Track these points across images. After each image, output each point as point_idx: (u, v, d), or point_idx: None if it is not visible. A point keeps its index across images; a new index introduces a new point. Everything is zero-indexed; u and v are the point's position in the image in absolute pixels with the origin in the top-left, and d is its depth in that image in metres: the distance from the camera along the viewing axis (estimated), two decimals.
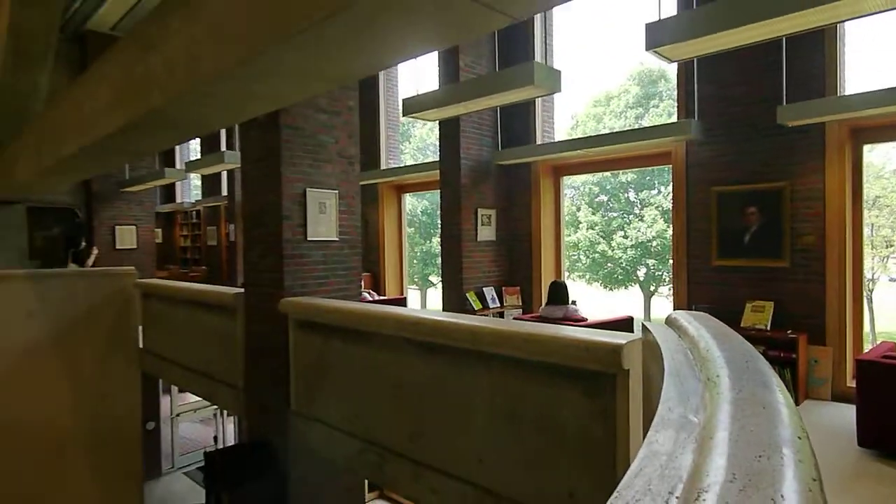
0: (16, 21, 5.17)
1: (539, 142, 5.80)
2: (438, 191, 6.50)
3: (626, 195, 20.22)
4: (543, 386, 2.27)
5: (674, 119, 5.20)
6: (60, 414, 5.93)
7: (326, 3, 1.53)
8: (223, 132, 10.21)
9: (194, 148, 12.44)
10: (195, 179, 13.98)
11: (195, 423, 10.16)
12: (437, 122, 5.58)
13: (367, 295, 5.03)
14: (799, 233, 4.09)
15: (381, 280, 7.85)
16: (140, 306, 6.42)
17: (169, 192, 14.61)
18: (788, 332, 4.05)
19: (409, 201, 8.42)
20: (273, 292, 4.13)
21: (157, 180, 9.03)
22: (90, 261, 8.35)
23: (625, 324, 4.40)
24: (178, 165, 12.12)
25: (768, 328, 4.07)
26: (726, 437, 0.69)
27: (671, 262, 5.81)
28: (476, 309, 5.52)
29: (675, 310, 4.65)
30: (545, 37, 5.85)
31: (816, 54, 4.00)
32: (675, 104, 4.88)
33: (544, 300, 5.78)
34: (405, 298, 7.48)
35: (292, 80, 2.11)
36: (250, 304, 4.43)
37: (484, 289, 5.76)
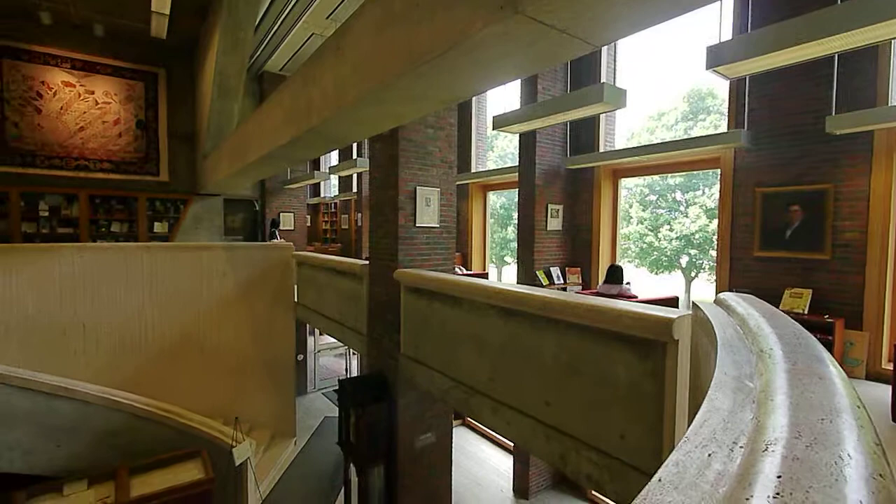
0: (220, 66, 5.67)
1: (601, 150, 5.50)
2: (516, 189, 6.37)
3: (672, 195, 18.89)
4: (601, 347, 2.18)
5: (721, 130, 4.72)
6: (243, 345, 6.52)
7: (442, 42, 1.52)
8: (356, 144, 10.63)
9: (334, 156, 13.09)
10: (334, 179, 14.71)
11: (330, 358, 10.80)
12: (518, 134, 5.46)
13: (458, 269, 5.06)
14: (841, 229, 3.57)
15: (468, 259, 7.87)
16: (295, 271, 6.89)
17: (315, 189, 15.46)
18: (825, 316, 3.58)
19: (491, 198, 8.32)
20: (390, 264, 4.27)
21: (308, 180, 9.62)
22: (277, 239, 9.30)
23: (671, 302, 4.09)
24: (322, 169, 12.77)
25: (805, 312, 3.62)
26: (786, 400, 0.61)
27: (714, 252, 5.32)
28: (544, 284, 5.38)
29: (717, 293, 4.28)
30: (611, 59, 5.50)
31: (867, 66, 3.44)
32: (722, 117, 4.45)
33: (601, 279, 5.53)
34: (487, 273, 7.44)
35: (412, 103, 2.15)
36: (373, 273, 4.61)
37: (551, 268, 5.61)
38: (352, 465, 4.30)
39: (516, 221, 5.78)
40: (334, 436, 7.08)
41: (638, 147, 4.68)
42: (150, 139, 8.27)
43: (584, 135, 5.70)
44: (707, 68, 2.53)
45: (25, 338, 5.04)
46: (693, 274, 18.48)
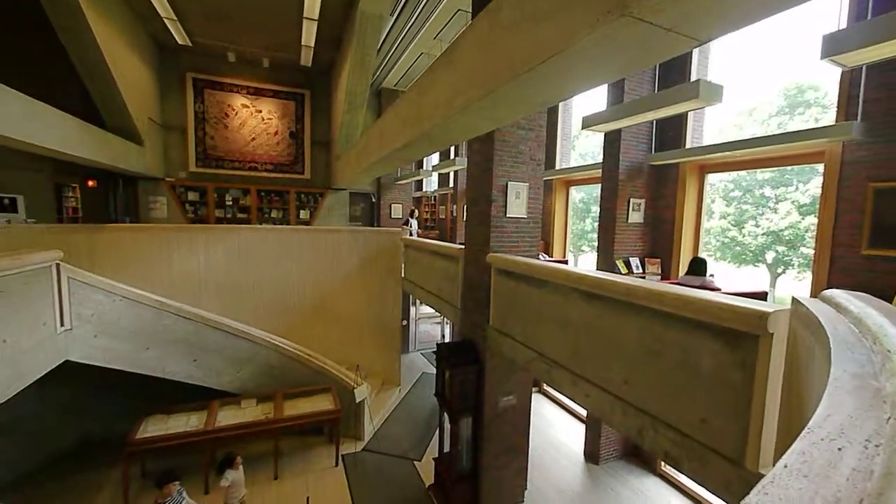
0: (350, 85, 6.04)
1: (688, 145, 4.89)
2: (597, 184, 5.95)
3: (760, 190, 16.16)
4: (684, 334, 1.96)
5: (824, 123, 3.90)
6: (362, 309, 7.04)
7: (546, 49, 1.44)
8: (454, 146, 10.76)
9: (435, 157, 13.39)
10: (434, 176, 15.07)
11: (428, 325, 11.23)
12: (603, 132, 5.08)
13: (542, 256, 4.90)
14: None
15: (550, 247, 7.59)
16: (402, 252, 7.23)
17: (419, 184, 15.97)
18: None
19: (573, 192, 7.88)
20: (483, 249, 4.27)
21: (414, 177, 9.98)
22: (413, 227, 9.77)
23: (759, 297, 3.54)
24: (426, 168, 13.13)
25: None
26: None
27: (808, 249, 4.48)
28: (623, 273, 5.00)
29: (814, 291, 3.62)
30: (703, 55, 4.83)
31: None
32: (825, 110, 3.64)
33: (681, 271, 4.99)
34: (567, 261, 7.12)
35: (512, 108, 2.09)
36: (467, 256, 4.66)
37: (630, 258, 5.18)
38: (445, 413, 4.46)
39: (595, 214, 5.43)
40: (431, 388, 7.41)
41: (734, 142, 4.05)
42: (298, 146, 9.16)
43: (670, 131, 5.11)
44: (822, 57, 2.09)
45: (219, 292, 5.98)
46: (780, 270, 15.83)
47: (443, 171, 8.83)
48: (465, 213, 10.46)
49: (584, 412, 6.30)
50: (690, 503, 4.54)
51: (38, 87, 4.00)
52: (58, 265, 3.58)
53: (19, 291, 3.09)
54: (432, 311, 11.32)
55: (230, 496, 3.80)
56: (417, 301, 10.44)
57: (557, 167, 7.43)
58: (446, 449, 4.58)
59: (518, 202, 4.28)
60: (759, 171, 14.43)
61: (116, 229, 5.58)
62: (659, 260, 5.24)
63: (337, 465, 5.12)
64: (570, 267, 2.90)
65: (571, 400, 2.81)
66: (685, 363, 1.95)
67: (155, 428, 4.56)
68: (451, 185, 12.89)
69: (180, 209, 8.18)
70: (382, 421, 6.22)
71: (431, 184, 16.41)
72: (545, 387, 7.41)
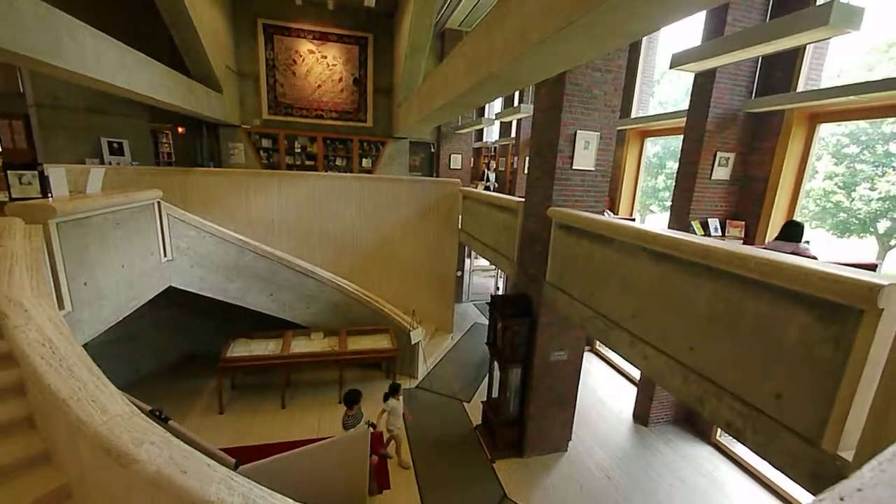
0: (413, 26, 5.79)
1: (801, 89, 4.13)
2: (676, 136, 5.32)
3: (885, 146, 13.40)
4: (768, 303, 1.78)
5: None
6: (419, 257, 7.24)
7: None
8: (517, 92, 10.13)
9: (497, 105, 12.73)
10: (495, 125, 14.40)
11: (481, 277, 11.36)
12: (693, 74, 4.45)
13: (606, 213, 4.62)
14: None
15: (616, 203, 7.12)
16: (460, 203, 7.20)
17: (479, 134, 15.44)
18: None
19: (647, 146, 7.19)
20: (544, 202, 4.12)
21: (475, 125, 9.63)
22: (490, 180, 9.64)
23: (867, 268, 3.08)
24: (488, 116, 12.60)
25: None
26: None
27: None
28: (699, 234, 4.58)
29: None
30: None
31: None
32: None
33: (769, 237, 4.46)
34: (634, 219, 6.66)
35: (594, 41, 1.87)
36: (527, 209, 4.53)
37: (708, 220, 4.70)
38: (496, 362, 4.61)
39: (670, 170, 4.90)
40: (482, 337, 7.65)
41: (862, 84, 3.33)
42: (361, 93, 9.17)
43: (778, 72, 4.34)
44: None
45: (290, 234, 6.45)
46: (894, 242, 13.49)
47: (506, 119, 8.41)
48: (526, 165, 10.10)
49: (637, 374, 6.17)
50: (742, 474, 4.40)
51: (131, 38, 4.31)
52: (159, 203, 4.05)
53: (132, 224, 3.57)
54: (486, 264, 11.40)
55: (388, 422, 4.15)
56: (472, 253, 10.53)
57: (633, 116, 6.75)
58: (495, 394, 4.78)
59: (586, 153, 4.00)
60: (886, 120, 11.93)
61: (203, 173, 6.13)
62: (743, 223, 4.71)
63: None
64: (641, 225, 2.71)
65: (628, 361, 2.74)
66: (764, 334, 1.79)
67: (240, 349, 5.25)
68: (514, 134, 12.33)
69: (255, 155, 8.73)
70: (435, 363, 6.60)
71: (492, 134, 15.79)
72: (598, 346, 7.32)
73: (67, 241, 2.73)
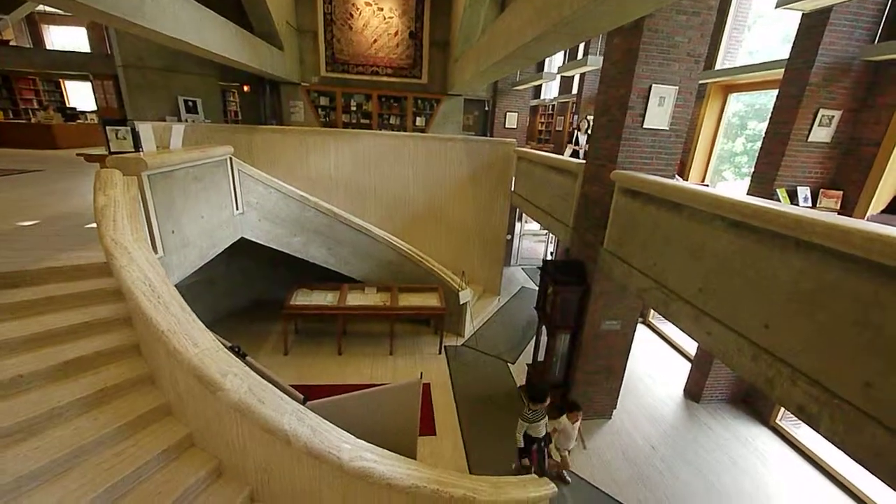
0: None
1: None
2: (767, 92, 4.63)
3: None
4: (869, 284, 1.57)
5: None
6: (469, 218, 7.19)
7: None
8: (582, 44, 9.29)
9: (558, 59, 11.79)
10: (554, 82, 13.45)
11: (531, 242, 11.14)
12: (801, 13, 3.79)
13: (676, 178, 4.23)
14: None
15: (686, 167, 6.52)
16: (514, 164, 6.95)
17: (537, 91, 14.57)
18: None
19: (730, 102, 6.41)
20: (607, 164, 3.85)
21: (535, 81, 9.07)
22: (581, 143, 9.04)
23: None
24: (546, 70, 11.79)
25: None
26: None
27: None
28: (784, 204, 4.09)
29: None
30: None
31: None
32: None
33: (871, 209, 3.89)
34: (707, 185, 6.08)
35: None
36: (588, 172, 4.27)
37: (798, 188, 4.16)
38: (544, 327, 4.59)
39: (751, 132, 4.30)
40: (529, 302, 7.62)
41: None
42: (417, 48, 8.88)
43: None
44: None
45: (346, 191, 6.66)
46: None
47: (568, 73, 7.81)
48: (585, 124, 9.45)
49: (691, 349, 5.89)
50: (802, 460, 4.16)
51: None
52: (230, 159, 4.31)
53: (209, 179, 3.86)
54: (537, 228, 11.13)
55: (558, 441, 3.75)
56: (523, 216, 10.29)
57: (717, 67, 5.98)
58: (540, 358, 4.82)
59: (660, 111, 3.64)
60: None
61: (267, 130, 6.39)
62: (840, 193, 4.13)
63: (440, 353, 5.82)
64: (720, 191, 2.46)
65: (689, 336, 2.60)
66: (861, 318, 1.59)
67: (302, 298, 5.66)
68: (575, 91, 11.47)
69: (314, 113, 8.92)
70: (481, 323, 6.72)
71: (550, 90, 14.82)
72: (651, 318, 7.03)
73: (157, 192, 3.01)
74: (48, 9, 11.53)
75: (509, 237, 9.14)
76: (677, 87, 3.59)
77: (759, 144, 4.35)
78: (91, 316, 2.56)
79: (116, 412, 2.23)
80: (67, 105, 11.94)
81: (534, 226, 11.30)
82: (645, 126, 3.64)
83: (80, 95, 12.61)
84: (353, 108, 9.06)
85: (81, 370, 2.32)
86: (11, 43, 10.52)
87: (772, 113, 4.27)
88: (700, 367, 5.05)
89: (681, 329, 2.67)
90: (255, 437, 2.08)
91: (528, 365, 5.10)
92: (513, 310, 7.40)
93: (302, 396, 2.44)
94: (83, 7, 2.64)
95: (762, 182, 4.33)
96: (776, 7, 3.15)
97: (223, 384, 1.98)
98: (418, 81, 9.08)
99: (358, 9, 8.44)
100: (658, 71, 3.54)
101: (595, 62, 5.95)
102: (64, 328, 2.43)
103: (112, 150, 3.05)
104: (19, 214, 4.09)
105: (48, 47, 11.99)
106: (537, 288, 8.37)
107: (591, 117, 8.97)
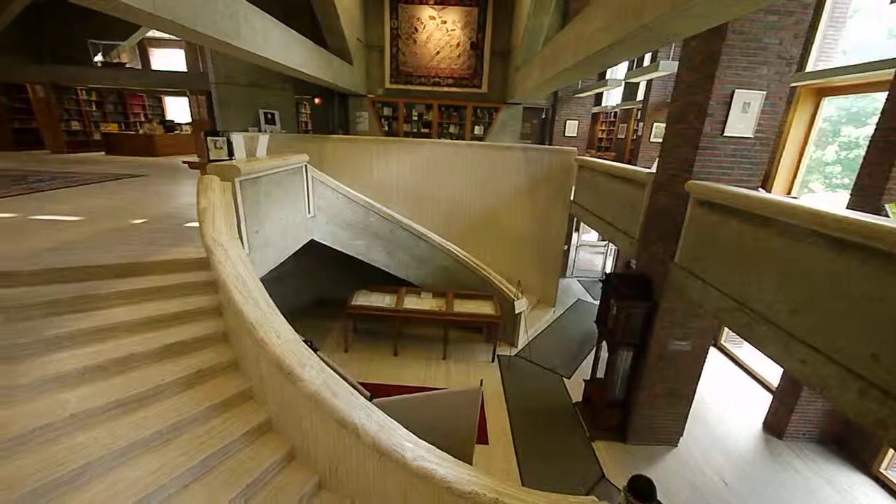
0: None
1: None
2: (868, 95, 4.09)
3: None
4: None
5: None
6: (525, 228, 7.10)
7: None
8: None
9: (622, 65, 11.35)
10: (617, 89, 12.95)
11: (588, 253, 10.74)
12: None
13: (760, 189, 3.89)
14: None
15: (770, 178, 5.96)
16: (575, 173, 6.77)
17: (597, 98, 14.13)
18: None
19: (823, 107, 5.79)
20: (681, 174, 3.64)
21: (601, 87, 8.80)
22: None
23: None
24: (610, 77, 11.40)
25: None
26: None
27: None
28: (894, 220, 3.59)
29: None
30: None
31: None
32: None
33: None
34: (795, 197, 5.51)
35: None
36: (658, 181, 4.06)
37: None
38: (605, 342, 4.40)
39: (846, 139, 3.81)
40: (585, 314, 7.35)
41: None
42: (478, 58, 9.02)
43: None
44: None
45: (406, 198, 6.88)
46: None
47: (636, 79, 7.48)
48: (651, 131, 8.98)
49: (771, 379, 5.34)
50: None
51: (283, 16, 4.85)
52: (306, 166, 4.65)
53: (287, 184, 4.19)
54: (595, 239, 10.71)
55: None
56: (581, 226, 9.97)
57: (809, 69, 5.44)
58: (599, 375, 4.62)
59: (745, 117, 3.39)
60: None
61: (335, 139, 6.80)
62: None
63: (493, 361, 5.79)
64: (816, 204, 2.24)
65: (776, 363, 2.37)
66: None
67: (362, 299, 5.91)
68: (640, 97, 10.96)
69: (378, 123, 9.35)
70: (536, 334, 6.59)
71: (612, 98, 14.29)
72: (723, 341, 6.46)
73: (246, 195, 3.33)
74: (154, 34, 13.23)
75: (566, 247, 8.89)
76: (764, 92, 3.33)
77: (855, 153, 3.88)
78: (189, 305, 2.88)
79: (208, 393, 2.48)
80: (166, 118, 13.57)
81: (591, 236, 10.90)
82: (726, 134, 3.41)
83: (177, 109, 14.28)
84: (415, 118, 9.37)
85: (181, 353, 2.62)
86: (127, 65, 12.17)
87: (879, 118, 3.80)
88: (784, 400, 4.56)
89: (767, 355, 2.44)
90: (327, 428, 2.21)
91: (585, 381, 4.91)
92: (568, 322, 7.17)
93: (368, 394, 2.55)
94: (193, 32, 3.01)
95: (866, 195, 3.85)
96: (893, 2, 2.81)
97: (302, 375, 2.13)
98: (478, 91, 9.19)
99: (422, 23, 8.76)
100: (742, 75, 3.30)
101: (668, 67, 5.66)
102: (168, 314, 2.76)
103: (211, 158, 3.42)
104: (131, 214, 4.70)
105: (153, 68, 13.72)
106: (595, 301, 8.09)
107: (659, 124, 8.59)
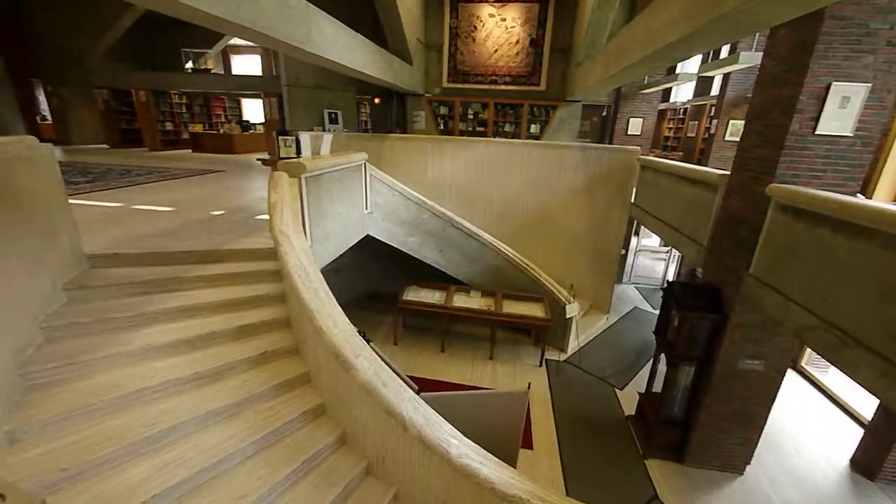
0: None
1: None
2: None
3: None
4: None
5: None
6: (580, 230, 6.84)
7: None
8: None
9: (694, 59, 10.49)
10: (686, 85, 12.00)
11: (648, 259, 10.12)
12: None
13: (858, 195, 3.42)
14: None
15: (869, 183, 5.22)
16: (637, 173, 6.40)
17: (665, 94, 13.22)
18: None
19: None
20: (761, 177, 3.31)
21: (668, 83, 8.24)
22: None
23: None
24: (680, 71, 10.62)
25: None
26: None
27: None
28: None
29: None
30: None
31: None
32: None
33: None
34: None
35: None
36: (732, 184, 3.72)
37: None
38: (663, 355, 4.14)
39: None
40: (642, 324, 6.95)
41: None
42: (537, 55, 8.82)
43: None
44: None
45: (458, 196, 6.93)
46: None
47: (712, 72, 6.90)
48: (726, 129, 8.22)
49: (863, 410, 4.70)
50: None
51: (347, 20, 5.07)
52: (365, 164, 4.85)
53: (347, 181, 4.40)
54: (656, 244, 10.05)
55: None
56: (641, 230, 9.41)
57: None
58: (656, 388, 4.35)
59: (842, 113, 3.00)
60: None
61: (393, 138, 7.01)
62: None
63: (540, 365, 5.67)
64: None
65: (871, 393, 2.09)
66: None
67: (413, 295, 6.05)
68: (714, 92, 10.08)
69: (434, 122, 9.48)
70: (587, 341, 6.34)
71: (681, 93, 13.28)
72: (804, 363, 5.79)
73: (310, 191, 3.55)
74: (235, 41, 14.45)
75: (623, 252, 8.45)
76: (869, 85, 2.93)
77: None
78: (258, 291, 3.14)
79: (271, 373, 2.69)
80: (243, 118, 14.79)
81: (652, 241, 10.25)
82: (818, 132, 3.05)
83: (252, 110, 15.51)
84: (471, 116, 9.39)
85: (251, 334, 2.86)
86: (212, 71, 13.43)
87: None
88: (878, 436, 4.00)
89: (859, 383, 2.15)
90: (377, 417, 2.30)
91: (639, 394, 4.65)
92: (623, 331, 6.82)
93: (417, 387, 2.61)
94: (271, 39, 3.25)
95: None
96: None
97: (355, 364, 2.24)
98: (535, 88, 9.00)
99: (482, 21, 8.73)
100: (842, 66, 2.93)
101: (749, 59, 5.16)
102: (241, 299, 3.02)
103: (281, 155, 3.68)
104: (211, 205, 5.19)
105: (234, 73, 15.00)
106: (653, 310, 7.60)
107: (736, 122, 7.86)
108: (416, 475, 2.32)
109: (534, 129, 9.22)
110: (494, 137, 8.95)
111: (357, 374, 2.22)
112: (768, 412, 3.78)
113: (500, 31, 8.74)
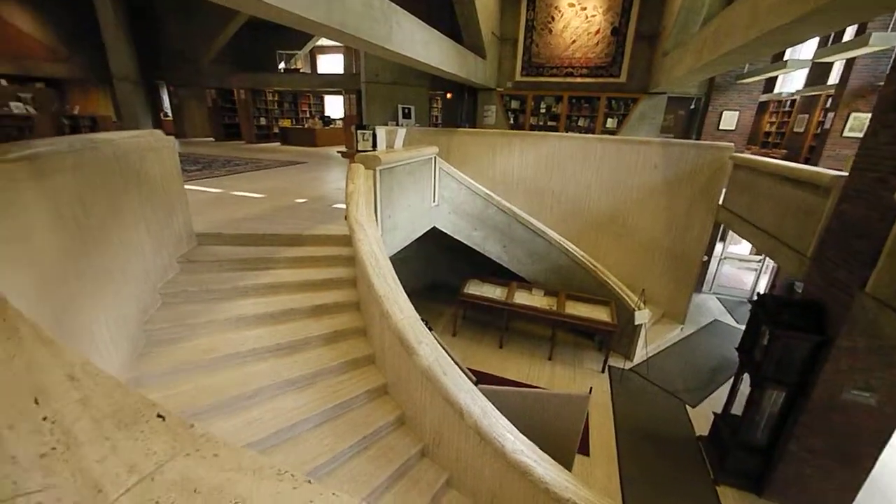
0: None
1: None
2: None
3: None
4: None
5: None
6: (657, 231, 6.35)
7: None
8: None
9: (807, 43, 9.07)
10: (796, 73, 10.42)
11: (735, 268, 9.12)
12: None
13: None
14: None
15: None
16: (728, 173, 5.75)
17: (769, 84, 11.65)
18: None
19: None
20: (889, 180, 2.81)
21: (775, 71, 7.27)
22: None
23: None
24: (789, 57, 9.29)
25: None
26: None
27: None
28: None
29: None
30: None
31: None
32: None
33: None
34: None
35: None
36: (850, 187, 3.20)
37: None
38: (747, 374, 3.72)
39: None
40: (724, 339, 6.30)
41: None
42: (619, 44, 8.26)
43: None
44: None
45: (525, 192, 6.80)
46: None
47: (830, 58, 5.95)
48: (846, 123, 7.05)
49: None
50: None
51: (424, 16, 5.16)
52: (435, 157, 4.95)
53: (417, 174, 4.53)
54: (745, 252, 8.98)
55: None
56: (728, 236, 8.47)
57: None
58: (736, 410, 3.93)
59: None
60: None
61: (462, 133, 7.05)
62: None
63: (602, 371, 5.40)
64: None
65: None
66: None
67: (474, 289, 6.09)
68: (833, 80, 8.65)
69: (504, 116, 9.35)
70: (656, 351, 5.90)
71: (788, 83, 11.58)
72: None
73: (383, 183, 3.71)
74: (322, 42, 15.45)
75: (706, 259, 7.68)
76: None
77: None
78: (333, 274, 3.38)
79: (341, 351, 2.89)
80: (325, 114, 15.84)
81: (741, 248, 9.18)
82: None
83: (333, 106, 16.54)
84: (543, 111, 9.11)
85: (325, 314, 3.10)
86: (301, 70, 14.53)
87: None
88: None
89: None
90: (435, 403, 2.37)
91: (715, 414, 4.23)
92: (700, 344, 6.24)
93: (475, 379, 2.64)
94: (357, 39, 3.43)
95: None
96: None
97: (418, 350, 2.32)
98: (615, 80, 8.45)
99: (560, 11, 8.38)
100: None
101: (883, 41, 4.35)
102: (318, 280, 3.28)
103: (358, 148, 3.90)
104: (295, 194, 5.66)
105: (319, 72, 16.08)
106: (737, 324, 6.84)
107: (859, 115, 6.72)
108: (469, 464, 2.36)
109: (610, 123, 8.69)
110: (566, 132, 8.60)
111: (419, 360, 2.30)
112: (878, 454, 3.24)
113: (579, 21, 8.32)
